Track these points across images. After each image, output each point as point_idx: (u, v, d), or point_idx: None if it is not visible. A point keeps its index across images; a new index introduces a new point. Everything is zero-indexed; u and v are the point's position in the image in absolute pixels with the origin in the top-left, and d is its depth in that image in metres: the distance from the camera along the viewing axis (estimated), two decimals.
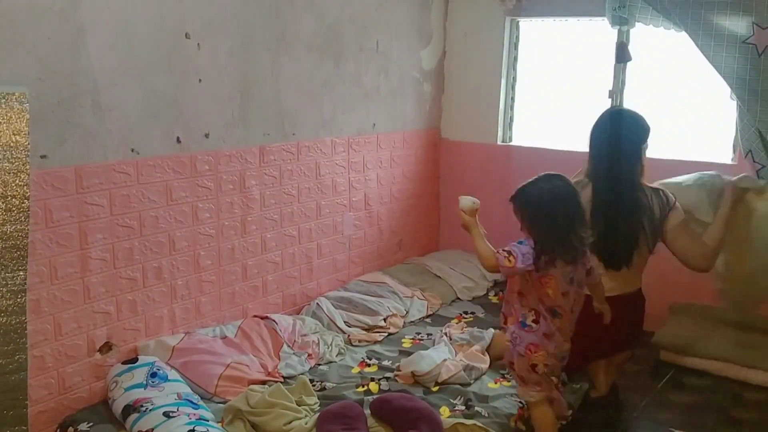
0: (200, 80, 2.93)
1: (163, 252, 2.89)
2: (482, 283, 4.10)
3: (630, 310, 2.92)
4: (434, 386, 2.85)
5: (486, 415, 2.62)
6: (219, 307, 3.19)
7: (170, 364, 2.75)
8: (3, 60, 2.26)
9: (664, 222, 2.82)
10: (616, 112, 3.06)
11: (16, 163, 2.19)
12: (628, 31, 3.84)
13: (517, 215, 2.48)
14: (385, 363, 3.12)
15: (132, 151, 2.72)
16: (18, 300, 2.23)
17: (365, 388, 2.86)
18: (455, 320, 3.62)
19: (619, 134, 2.86)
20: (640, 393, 3.22)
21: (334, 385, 2.90)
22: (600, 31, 3.99)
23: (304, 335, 3.21)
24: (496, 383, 2.90)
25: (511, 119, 4.43)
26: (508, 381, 2.90)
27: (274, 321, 3.20)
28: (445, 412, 2.65)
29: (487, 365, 3.01)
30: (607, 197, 2.82)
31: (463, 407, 2.69)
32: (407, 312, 3.66)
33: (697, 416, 3.02)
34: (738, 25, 3.08)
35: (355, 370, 3.06)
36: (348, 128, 3.79)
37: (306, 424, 2.49)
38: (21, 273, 2.23)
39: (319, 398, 2.75)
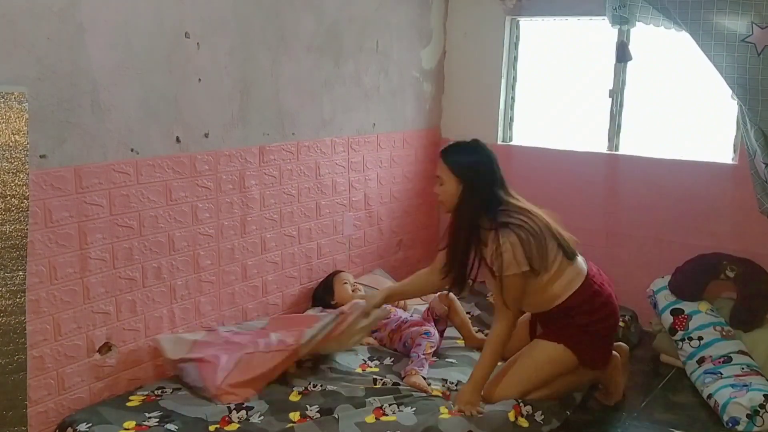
0: (200, 80, 2.93)
1: (162, 252, 2.89)
2: None
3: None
4: None
5: (485, 411, 2.62)
6: (218, 307, 3.19)
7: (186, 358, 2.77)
8: (2, 60, 2.26)
9: None
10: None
11: (16, 163, 2.20)
12: (628, 31, 3.84)
13: None
14: (387, 362, 3.12)
15: (131, 151, 2.72)
16: (17, 300, 2.24)
17: (367, 388, 2.85)
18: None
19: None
20: (640, 393, 3.21)
21: (335, 386, 2.89)
22: (600, 31, 3.99)
23: None
24: None
25: (511, 119, 4.43)
26: None
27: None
28: (443, 411, 2.64)
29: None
30: None
31: None
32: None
33: (697, 416, 3.02)
34: (737, 24, 3.08)
35: (357, 371, 3.05)
36: (348, 128, 3.79)
37: None
38: (20, 273, 2.23)
39: (319, 399, 2.75)
